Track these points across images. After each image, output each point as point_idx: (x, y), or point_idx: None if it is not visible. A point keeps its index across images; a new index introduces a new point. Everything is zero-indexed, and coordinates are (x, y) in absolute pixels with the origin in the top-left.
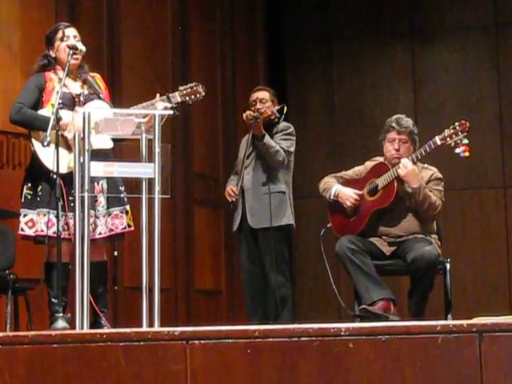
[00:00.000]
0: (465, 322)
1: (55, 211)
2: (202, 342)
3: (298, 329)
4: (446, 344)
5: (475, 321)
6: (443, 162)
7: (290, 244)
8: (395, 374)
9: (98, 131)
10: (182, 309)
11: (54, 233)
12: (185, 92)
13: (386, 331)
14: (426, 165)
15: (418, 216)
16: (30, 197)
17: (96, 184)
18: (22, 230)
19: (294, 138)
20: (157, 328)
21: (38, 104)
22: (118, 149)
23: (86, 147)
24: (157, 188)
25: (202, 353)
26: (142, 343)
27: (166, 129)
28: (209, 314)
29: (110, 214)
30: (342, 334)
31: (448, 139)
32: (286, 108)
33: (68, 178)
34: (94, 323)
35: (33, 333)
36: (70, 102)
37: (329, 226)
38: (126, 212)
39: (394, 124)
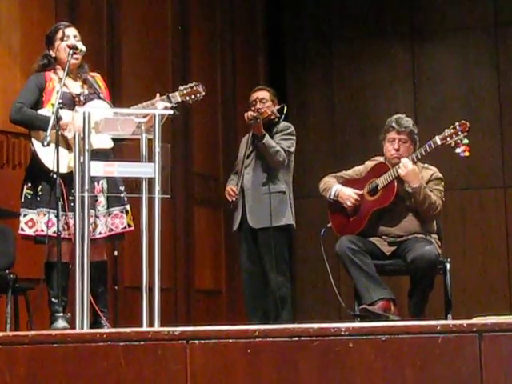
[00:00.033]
0: (465, 322)
1: (55, 211)
2: (202, 341)
3: (298, 329)
4: (446, 344)
5: (475, 321)
6: (443, 162)
7: (290, 244)
8: (395, 374)
9: (98, 131)
10: (182, 309)
11: (54, 232)
12: (185, 92)
13: (386, 331)
14: (426, 164)
15: (418, 216)
16: (30, 196)
17: (96, 184)
18: (22, 229)
19: (294, 137)
20: (157, 328)
21: (38, 104)
22: (118, 148)
23: (86, 147)
24: (157, 188)
25: (201, 353)
26: (142, 343)
27: (166, 128)
28: (209, 313)
29: (110, 214)
30: (342, 333)
31: (448, 139)
32: (286, 108)
33: (68, 178)
34: (94, 323)
35: (33, 332)
36: (70, 102)
37: (329, 225)
38: (126, 212)
39: (393, 124)
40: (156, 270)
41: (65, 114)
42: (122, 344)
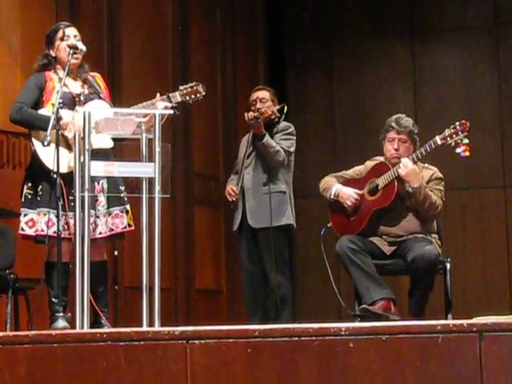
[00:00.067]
0: (465, 322)
1: (55, 211)
2: (202, 341)
3: (298, 328)
4: (446, 344)
5: (475, 320)
6: (443, 162)
7: (291, 244)
8: (395, 374)
9: (98, 131)
10: (182, 308)
11: (55, 232)
12: (185, 91)
13: (387, 331)
14: (426, 164)
15: (418, 216)
16: (30, 196)
17: (96, 183)
18: (23, 229)
19: (295, 137)
20: (157, 328)
21: (38, 103)
22: (119, 148)
23: (87, 147)
24: (157, 187)
25: (202, 352)
26: (142, 343)
27: (167, 128)
28: (209, 313)
29: (110, 214)
30: (343, 333)
31: (448, 139)
32: (286, 108)
33: (68, 178)
34: (95, 323)
35: (33, 332)
36: (71, 102)
37: (329, 225)
38: (127, 211)
39: (393, 124)
40: (156, 270)
41: (65, 113)
42: (122, 344)
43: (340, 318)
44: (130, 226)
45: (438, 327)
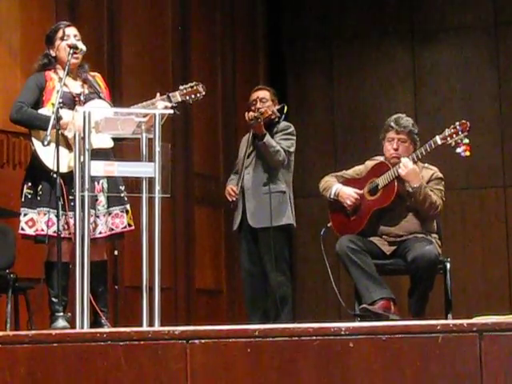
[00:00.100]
0: (465, 322)
1: (55, 210)
2: (203, 341)
3: (298, 328)
4: (446, 343)
5: (475, 320)
6: (443, 162)
7: (291, 244)
8: (395, 374)
9: (98, 130)
10: (182, 308)
11: (55, 232)
12: (185, 91)
13: (387, 330)
14: (426, 164)
15: (418, 215)
16: (30, 196)
17: (96, 183)
18: (23, 229)
19: (295, 137)
20: (157, 327)
21: (38, 103)
22: (119, 148)
23: (87, 146)
24: (157, 187)
25: (202, 352)
26: (142, 342)
27: (167, 128)
28: (209, 313)
29: (110, 214)
30: (343, 333)
31: (448, 139)
32: (286, 107)
33: (68, 178)
34: (95, 322)
35: (33, 332)
36: (71, 102)
37: (329, 225)
38: (127, 211)
39: (392, 123)
40: (156, 270)
41: (65, 113)
42: (122, 344)
43: (340, 317)
44: (129, 225)
45: (438, 327)
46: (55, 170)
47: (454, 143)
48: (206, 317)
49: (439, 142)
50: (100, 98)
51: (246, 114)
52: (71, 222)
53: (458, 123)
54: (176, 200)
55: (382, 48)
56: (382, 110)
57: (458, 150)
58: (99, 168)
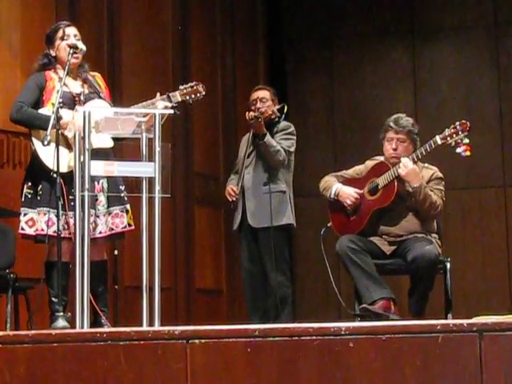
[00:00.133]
0: (465, 322)
1: (55, 210)
2: (203, 341)
3: (298, 328)
4: (446, 343)
5: (475, 320)
6: (443, 162)
7: (291, 243)
8: (395, 373)
9: (98, 130)
10: (182, 308)
11: (55, 232)
12: (185, 91)
13: (387, 330)
14: (426, 164)
15: (418, 215)
16: (30, 196)
17: (96, 183)
18: (23, 229)
19: (295, 137)
20: (157, 327)
21: (38, 103)
22: (119, 148)
23: (87, 146)
24: (157, 187)
25: (202, 352)
26: (142, 342)
27: (167, 128)
28: (209, 313)
29: (110, 213)
30: (343, 333)
31: (449, 139)
32: (286, 107)
33: (68, 177)
34: (95, 322)
35: (33, 332)
36: (71, 101)
37: (329, 225)
38: (127, 211)
39: (391, 123)
40: (156, 270)
41: (65, 113)
42: (122, 343)
43: (340, 317)
44: (130, 225)
45: (438, 327)
46: (55, 169)
47: (454, 143)
48: (206, 317)
49: (439, 142)
50: (100, 97)
51: (247, 113)
52: (71, 221)
53: (458, 123)
54: (176, 200)
55: (382, 48)
56: (381, 109)
57: (459, 149)
58: (99, 168)
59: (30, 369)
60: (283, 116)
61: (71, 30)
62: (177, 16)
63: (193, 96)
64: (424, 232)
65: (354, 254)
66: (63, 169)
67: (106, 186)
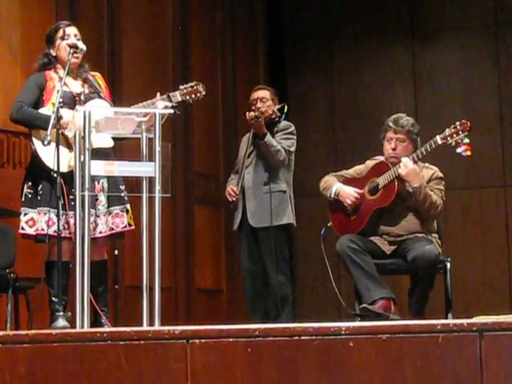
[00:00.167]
0: (465, 321)
1: (56, 210)
2: (203, 340)
3: (298, 328)
4: (446, 343)
5: (475, 320)
6: (444, 161)
7: (291, 243)
8: (396, 373)
9: (98, 130)
10: (182, 308)
11: (55, 232)
12: (185, 91)
13: (387, 330)
14: (426, 164)
15: (418, 215)
16: (30, 196)
17: (96, 183)
18: (23, 228)
19: (295, 137)
20: (157, 327)
21: (38, 103)
22: (119, 148)
23: (87, 146)
24: (157, 187)
25: (202, 352)
26: (142, 342)
27: (167, 128)
28: (209, 312)
29: (110, 213)
30: (343, 333)
31: (449, 138)
32: (286, 107)
33: (68, 177)
34: (95, 322)
35: (33, 332)
36: (71, 101)
37: (329, 225)
38: (127, 211)
39: (390, 123)
40: (156, 269)
41: (65, 113)
42: (122, 343)
43: (340, 317)
44: (130, 225)
45: (439, 327)
46: (55, 169)
47: (454, 143)
48: (206, 316)
49: (439, 142)
50: (100, 97)
51: (247, 113)
52: (71, 221)
53: (458, 123)
54: (176, 200)
55: (382, 48)
56: (381, 109)
57: (459, 149)
58: (99, 167)
59: (30, 369)
60: (283, 116)
61: (71, 30)
62: (177, 16)
63: (193, 96)
64: (424, 232)
65: (355, 254)
66: (63, 168)
67: (106, 185)
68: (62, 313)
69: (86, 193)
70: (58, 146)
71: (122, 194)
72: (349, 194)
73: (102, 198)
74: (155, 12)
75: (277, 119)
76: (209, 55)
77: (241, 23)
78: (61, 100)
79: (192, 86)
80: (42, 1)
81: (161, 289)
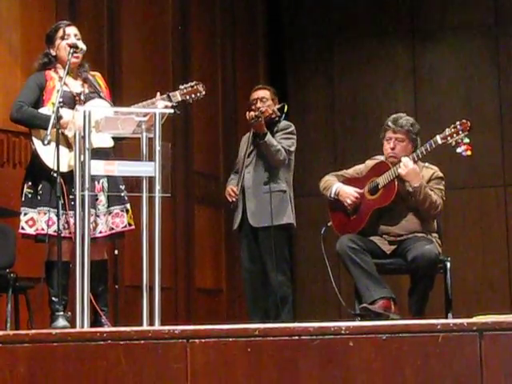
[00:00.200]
0: (465, 321)
1: (56, 210)
2: (203, 340)
3: (298, 327)
4: (446, 343)
5: (475, 319)
6: (444, 161)
7: (291, 243)
8: (396, 373)
9: (98, 130)
10: (182, 307)
11: (55, 231)
12: (185, 91)
13: (387, 330)
14: (426, 164)
15: (418, 215)
16: (30, 195)
17: (96, 183)
18: (23, 228)
19: (295, 136)
20: (157, 327)
21: (38, 103)
22: (119, 147)
23: (87, 146)
24: (157, 187)
25: (202, 351)
26: (142, 342)
27: (167, 127)
28: (209, 312)
29: (110, 213)
30: (343, 332)
31: (449, 138)
32: (286, 107)
33: (68, 177)
34: (95, 322)
35: (33, 331)
36: (71, 101)
37: (329, 224)
38: (127, 211)
39: (390, 123)
40: (156, 269)
41: (65, 112)
42: (122, 343)
43: (340, 317)
44: (130, 225)
45: (439, 326)
46: (55, 169)
47: (454, 143)
48: (206, 316)
49: (440, 142)
50: (100, 97)
51: (247, 113)
52: (71, 221)
53: (458, 122)
54: (176, 199)
55: (382, 48)
56: (382, 109)
57: (459, 149)
58: (99, 167)
59: (30, 368)
60: (283, 115)
61: (71, 30)
62: (177, 16)
63: (193, 96)
64: (424, 231)
65: (355, 254)
66: (63, 168)
67: (106, 185)
68: (62, 313)
69: (86, 193)
70: (57, 146)
71: (122, 194)
72: (349, 193)
73: (102, 198)
74: (155, 12)
75: (277, 119)
76: (209, 55)
77: (241, 23)
78: (61, 100)
79: (192, 86)
80: (41, 1)
81: (161, 288)
